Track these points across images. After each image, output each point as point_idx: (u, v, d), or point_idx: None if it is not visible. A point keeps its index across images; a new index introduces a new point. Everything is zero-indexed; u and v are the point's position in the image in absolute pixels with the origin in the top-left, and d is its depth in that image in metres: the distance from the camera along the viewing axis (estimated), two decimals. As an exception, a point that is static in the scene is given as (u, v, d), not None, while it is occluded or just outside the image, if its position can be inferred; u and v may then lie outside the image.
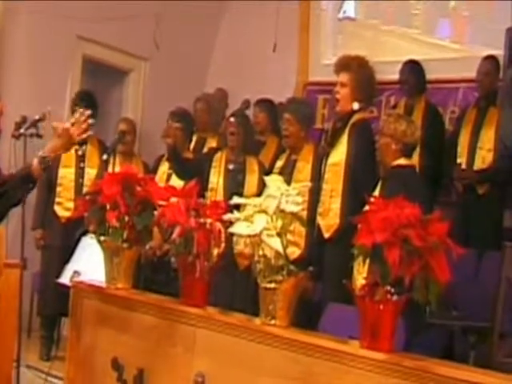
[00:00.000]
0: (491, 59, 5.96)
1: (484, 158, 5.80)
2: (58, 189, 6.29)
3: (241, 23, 8.39)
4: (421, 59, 6.57)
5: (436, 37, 7.28)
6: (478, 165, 5.84)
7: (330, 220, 4.83)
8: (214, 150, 5.95)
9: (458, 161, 5.92)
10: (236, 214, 3.31)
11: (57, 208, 6.27)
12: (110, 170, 5.50)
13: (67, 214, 6.22)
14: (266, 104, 6.57)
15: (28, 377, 5.24)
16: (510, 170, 4.84)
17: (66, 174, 6.32)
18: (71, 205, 6.20)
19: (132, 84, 8.40)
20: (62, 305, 4.94)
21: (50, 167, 5.96)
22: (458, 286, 4.89)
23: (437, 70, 6.63)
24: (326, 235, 4.84)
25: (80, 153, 6.37)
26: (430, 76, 6.46)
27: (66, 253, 5.38)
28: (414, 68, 6.43)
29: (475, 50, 6.72)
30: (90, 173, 6.32)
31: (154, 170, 6.21)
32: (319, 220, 4.89)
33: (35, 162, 3.54)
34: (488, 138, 5.80)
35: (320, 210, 4.89)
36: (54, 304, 6.00)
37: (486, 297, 4.60)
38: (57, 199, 6.29)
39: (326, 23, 8.11)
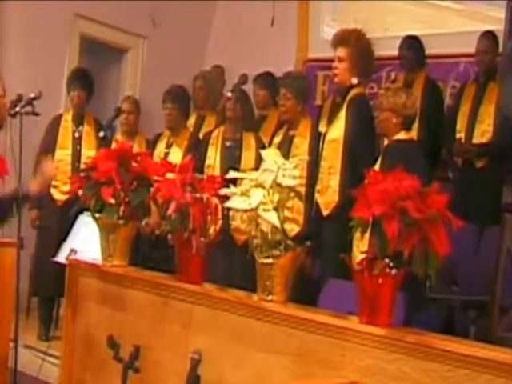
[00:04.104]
0: (489, 35, 5.87)
1: (483, 132, 5.75)
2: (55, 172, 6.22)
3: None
4: (422, 34, 6.50)
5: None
6: (477, 139, 5.79)
7: (328, 197, 4.79)
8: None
9: (458, 136, 5.87)
10: (232, 189, 3.27)
11: (53, 191, 6.18)
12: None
13: (63, 197, 6.14)
14: (264, 79, 6.49)
15: (26, 357, 5.21)
16: (509, 141, 4.79)
17: (62, 157, 6.23)
18: (67, 188, 6.10)
19: (130, 62, 8.33)
20: (57, 286, 4.91)
21: (47, 151, 6.04)
22: (458, 261, 4.89)
23: (438, 44, 6.56)
24: (325, 212, 4.80)
25: (77, 135, 6.32)
26: (431, 51, 6.40)
27: (62, 234, 5.33)
28: (412, 44, 6.36)
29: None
30: (87, 154, 6.16)
31: (152, 148, 6.15)
32: (318, 197, 4.86)
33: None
34: (488, 113, 5.74)
35: (318, 187, 4.85)
36: (49, 285, 5.98)
37: (487, 272, 4.57)
38: (53, 182, 6.21)
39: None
